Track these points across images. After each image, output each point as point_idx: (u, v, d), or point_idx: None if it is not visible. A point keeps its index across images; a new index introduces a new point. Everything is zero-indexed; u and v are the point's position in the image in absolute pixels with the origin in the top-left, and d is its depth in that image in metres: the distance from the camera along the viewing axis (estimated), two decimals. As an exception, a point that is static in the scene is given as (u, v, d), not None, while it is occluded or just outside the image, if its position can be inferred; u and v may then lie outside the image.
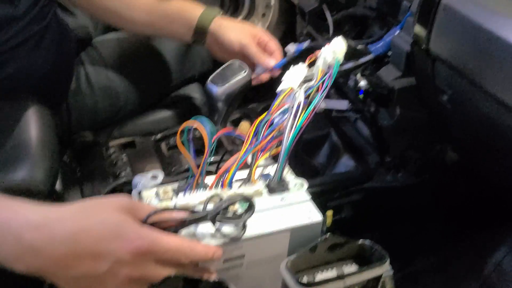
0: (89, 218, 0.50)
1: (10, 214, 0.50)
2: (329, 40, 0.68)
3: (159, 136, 1.01)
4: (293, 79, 0.65)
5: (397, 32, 0.80)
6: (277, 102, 0.64)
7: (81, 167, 0.94)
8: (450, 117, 0.75)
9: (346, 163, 0.99)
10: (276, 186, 0.64)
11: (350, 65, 0.81)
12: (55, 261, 0.49)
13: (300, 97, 0.62)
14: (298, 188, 0.65)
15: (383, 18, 0.91)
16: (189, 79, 1.18)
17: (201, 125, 0.61)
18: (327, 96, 1.04)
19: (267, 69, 0.92)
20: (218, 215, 0.54)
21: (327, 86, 0.62)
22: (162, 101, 1.14)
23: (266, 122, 0.63)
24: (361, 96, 0.91)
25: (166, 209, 0.55)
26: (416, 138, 0.90)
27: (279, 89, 0.66)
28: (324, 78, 0.64)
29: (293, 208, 0.62)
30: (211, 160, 0.70)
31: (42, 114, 0.80)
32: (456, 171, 0.98)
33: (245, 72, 0.89)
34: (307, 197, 0.64)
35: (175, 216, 0.55)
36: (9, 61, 0.84)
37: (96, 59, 1.07)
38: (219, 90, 0.88)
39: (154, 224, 0.53)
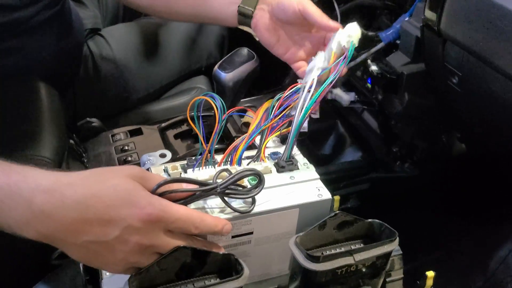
0: (100, 183, 0.50)
1: (21, 178, 0.49)
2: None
3: (165, 124, 1.01)
4: (314, 71, 0.65)
5: (407, 18, 0.80)
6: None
7: (87, 152, 0.94)
8: (460, 100, 0.74)
9: (352, 153, 0.99)
10: (285, 164, 0.63)
11: (364, 56, 0.81)
12: (65, 226, 0.48)
13: (313, 76, 0.62)
14: (307, 167, 0.65)
15: (390, 8, 0.92)
16: (196, 70, 1.19)
17: (211, 100, 0.61)
18: (333, 86, 1.05)
19: (328, 29, 0.76)
20: (227, 189, 0.54)
21: (342, 66, 0.61)
22: (168, 92, 1.15)
23: (278, 99, 0.63)
24: (369, 85, 0.91)
25: (176, 180, 0.54)
26: (424, 126, 0.90)
27: (304, 81, 0.65)
28: (339, 60, 0.63)
29: (302, 185, 0.62)
30: (217, 147, 0.70)
31: (52, 94, 0.81)
32: (463, 162, 0.98)
33: (253, 58, 0.89)
34: (316, 175, 0.64)
35: (185, 187, 0.54)
36: (23, 44, 0.85)
37: (105, 49, 1.07)
38: (227, 76, 0.88)
39: (164, 196, 0.53)
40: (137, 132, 0.99)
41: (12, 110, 0.78)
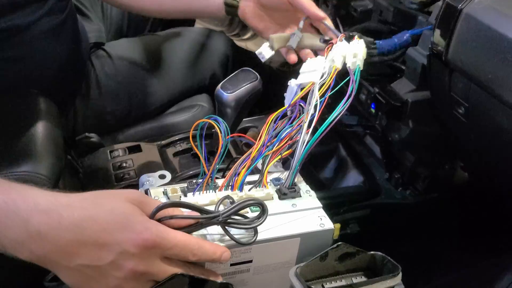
0: (97, 206, 0.49)
1: (19, 197, 0.48)
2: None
3: (165, 142, 1.00)
4: (313, 73, 0.63)
5: (407, 35, 0.80)
6: (297, 97, 0.62)
7: (84, 168, 0.93)
8: (465, 131, 0.73)
9: (353, 178, 0.98)
10: (288, 191, 0.62)
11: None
12: (60, 247, 0.47)
13: (315, 98, 0.60)
14: (309, 195, 0.63)
15: (396, 33, 0.91)
16: (199, 88, 1.18)
17: (215, 123, 0.60)
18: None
19: (317, 18, 0.81)
20: (229, 218, 0.52)
21: (351, 94, 0.59)
22: (170, 108, 1.14)
23: (279, 119, 0.61)
24: (372, 110, 0.90)
25: (175, 204, 0.53)
26: (427, 154, 0.89)
27: (298, 81, 0.64)
28: (345, 80, 0.62)
29: (304, 214, 0.60)
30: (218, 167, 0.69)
31: (51, 110, 0.80)
32: (465, 192, 0.96)
33: (256, 79, 0.88)
34: (319, 204, 0.62)
35: (185, 213, 0.53)
36: (23, 55, 0.84)
37: (107, 65, 1.07)
38: (229, 96, 0.87)
39: (163, 221, 0.52)
40: (136, 149, 0.97)
41: (9, 125, 0.77)
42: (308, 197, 0.62)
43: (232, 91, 0.87)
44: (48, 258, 0.48)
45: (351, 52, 0.62)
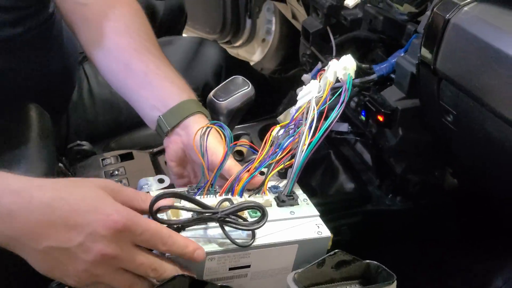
0: (69, 188, 0.49)
1: None
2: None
3: (157, 149, 1.00)
4: (309, 94, 0.65)
5: (402, 54, 0.81)
6: (296, 114, 0.64)
7: (76, 175, 0.92)
8: (454, 138, 0.75)
9: (344, 185, 0.99)
10: (286, 199, 0.63)
11: (356, 81, 0.81)
12: (29, 228, 0.47)
13: (313, 109, 0.62)
14: (307, 203, 0.64)
15: (386, 41, 0.92)
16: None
17: (220, 129, 0.61)
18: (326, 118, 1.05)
19: None
20: (229, 217, 0.53)
21: (343, 101, 0.61)
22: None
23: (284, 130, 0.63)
24: (363, 117, 0.91)
25: (176, 195, 0.53)
26: (417, 161, 0.90)
27: (297, 106, 0.66)
28: (340, 91, 0.63)
29: (302, 221, 0.61)
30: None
31: (43, 117, 0.79)
32: (455, 197, 0.98)
33: (248, 87, 0.89)
34: (316, 212, 0.63)
35: (184, 206, 0.53)
36: (10, 66, 0.84)
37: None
38: (221, 104, 0.88)
39: (162, 211, 0.52)
40: (128, 157, 0.97)
41: (0, 132, 0.77)
42: (306, 205, 0.64)
43: (225, 99, 0.87)
44: (17, 239, 0.48)
45: (341, 66, 0.64)
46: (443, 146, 0.82)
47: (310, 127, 0.61)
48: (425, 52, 0.69)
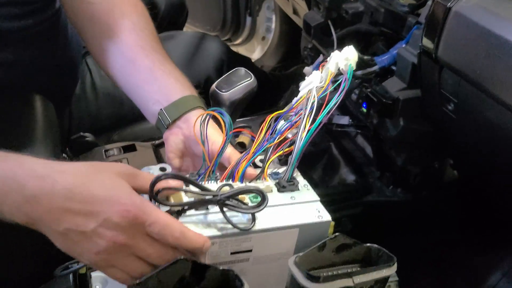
0: (88, 176, 0.52)
1: (16, 165, 0.52)
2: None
3: (159, 141, 1.01)
4: (311, 84, 0.65)
5: (403, 45, 0.82)
6: (296, 103, 0.65)
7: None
8: (454, 127, 0.76)
9: (345, 177, 1.00)
10: (287, 184, 0.63)
11: (358, 73, 0.82)
12: (50, 212, 0.50)
13: (313, 97, 0.63)
14: (307, 189, 0.65)
15: (387, 34, 0.93)
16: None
17: (219, 115, 0.61)
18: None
19: None
20: (229, 200, 0.53)
21: (343, 89, 0.62)
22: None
23: (282, 117, 0.63)
24: (364, 109, 0.92)
25: (176, 176, 0.54)
26: (417, 152, 0.90)
27: (298, 96, 0.66)
28: (340, 80, 0.64)
29: (302, 206, 0.62)
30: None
31: (46, 107, 0.80)
32: (454, 189, 0.99)
33: (250, 79, 0.90)
34: (316, 197, 0.64)
35: (185, 188, 0.54)
36: (12, 58, 0.84)
37: None
38: (224, 95, 0.88)
39: (161, 194, 0.53)
40: (131, 148, 0.98)
41: (4, 122, 0.77)
42: (306, 191, 0.64)
43: (227, 90, 0.88)
44: (41, 221, 0.51)
45: (343, 57, 0.65)
46: (444, 136, 0.83)
47: (310, 114, 0.61)
48: (426, 41, 0.70)
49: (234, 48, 2.10)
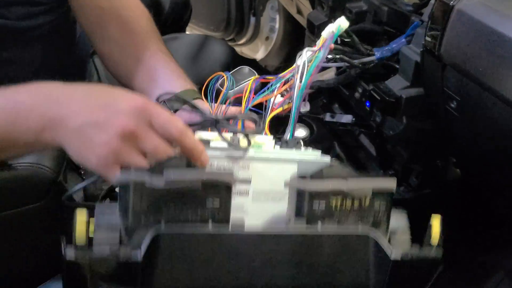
0: (104, 87, 0.61)
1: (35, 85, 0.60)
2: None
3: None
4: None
5: (403, 40, 0.83)
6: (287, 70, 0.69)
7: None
8: (457, 125, 0.76)
9: (348, 175, 1.00)
10: (289, 141, 0.66)
11: (356, 61, 0.83)
12: (70, 106, 0.56)
13: (303, 58, 0.66)
14: (310, 148, 0.66)
15: (391, 34, 0.94)
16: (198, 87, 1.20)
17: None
18: (332, 111, 1.07)
19: None
20: (226, 122, 0.60)
21: (327, 44, 0.67)
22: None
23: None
24: (367, 107, 0.92)
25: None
26: (420, 150, 0.91)
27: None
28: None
29: (303, 152, 0.64)
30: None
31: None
32: (457, 188, 0.99)
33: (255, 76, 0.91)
34: (318, 152, 0.65)
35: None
36: (15, 57, 0.85)
37: None
38: (228, 93, 0.89)
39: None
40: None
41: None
42: (308, 149, 0.65)
43: (231, 88, 0.89)
44: (59, 120, 0.56)
45: (336, 25, 0.69)
46: (446, 134, 0.84)
47: (301, 73, 0.65)
48: (429, 39, 0.70)
49: (237, 48, 2.11)
